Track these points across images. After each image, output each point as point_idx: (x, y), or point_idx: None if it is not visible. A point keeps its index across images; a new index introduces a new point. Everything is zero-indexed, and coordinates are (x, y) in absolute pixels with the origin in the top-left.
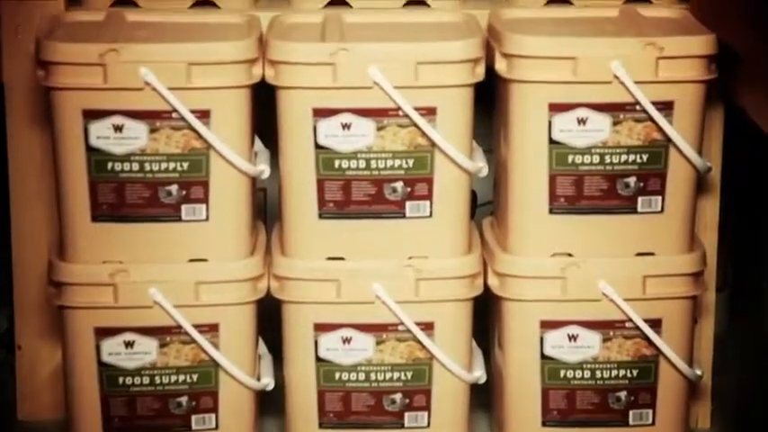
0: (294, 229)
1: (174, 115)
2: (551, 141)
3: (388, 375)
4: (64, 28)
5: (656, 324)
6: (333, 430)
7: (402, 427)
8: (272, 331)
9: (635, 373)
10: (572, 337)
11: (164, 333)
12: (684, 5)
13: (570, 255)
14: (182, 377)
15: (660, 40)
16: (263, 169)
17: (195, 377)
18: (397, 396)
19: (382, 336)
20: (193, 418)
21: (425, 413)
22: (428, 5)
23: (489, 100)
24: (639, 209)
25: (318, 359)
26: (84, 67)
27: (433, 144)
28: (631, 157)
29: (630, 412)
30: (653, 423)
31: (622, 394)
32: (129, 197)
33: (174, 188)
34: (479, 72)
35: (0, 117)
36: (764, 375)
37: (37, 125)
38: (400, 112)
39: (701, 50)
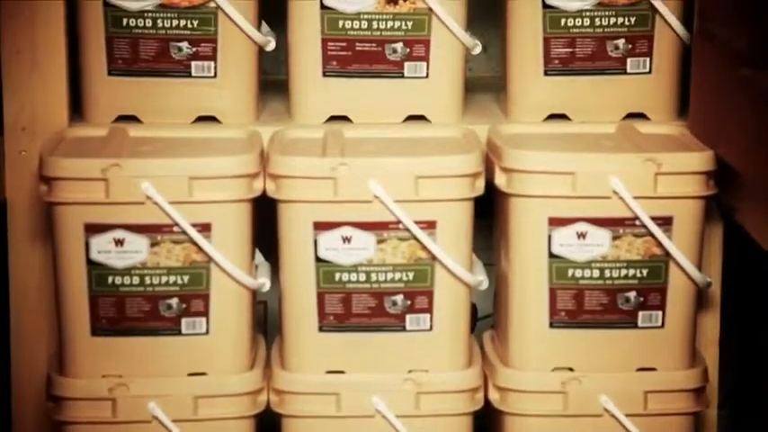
0: (294, 343)
1: (174, 229)
2: (551, 255)
3: None
4: (67, 144)
5: None
6: None
7: None
8: None
9: None
10: None
11: None
12: (682, 122)
13: (571, 369)
14: None
15: (658, 156)
16: (264, 282)
17: None
18: None
19: None
20: None
21: None
22: (428, 120)
23: (489, 213)
24: (640, 323)
25: None
26: (86, 182)
27: (434, 257)
28: (631, 272)
29: None
30: None
31: None
32: (130, 311)
33: (174, 301)
34: (479, 186)
35: (1, 231)
36: None
37: (38, 239)
38: (400, 226)
39: (700, 167)
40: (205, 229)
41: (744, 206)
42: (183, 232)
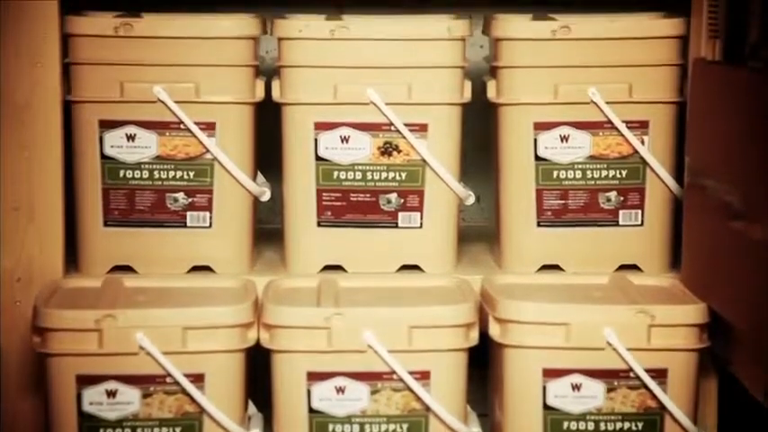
0: None
1: (167, 379)
2: (546, 407)
3: None
4: (61, 294)
5: None
6: None
7: None
8: None
9: None
10: None
11: None
12: (674, 274)
13: None
14: None
15: (652, 308)
16: None
17: None
18: None
19: None
20: None
21: None
22: (422, 270)
23: (483, 363)
24: None
25: None
26: (79, 333)
27: (428, 408)
28: (626, 425)
29: None
30: None
31: None
32: None
33: None
34: (473, 336)
35: None
36: None
37: (30, 390)
38: (394, 376)
39: (693, 319)
40: (198, 379)
41: (738, 358)
42: (176, 383)
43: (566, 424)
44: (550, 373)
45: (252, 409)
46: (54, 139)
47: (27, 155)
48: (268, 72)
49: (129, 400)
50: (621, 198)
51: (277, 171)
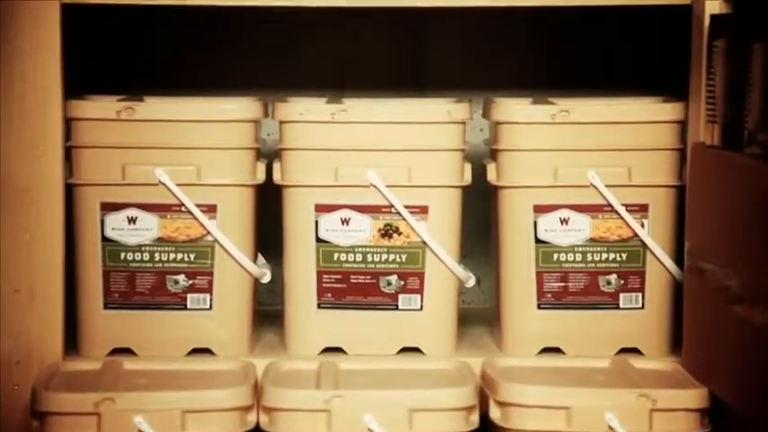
0: None
1: None
2: None
3: None
4: (60, 378)
5: None
6: None
7: None
8: None
9: None
10: None
11: None
12: (675, 358)
13: None
14: None
15: (653, 392)
16: None
17: None
18: None
19: None
20: None
21: None
22: (422, 352)
23: None
24: None
25: None
26: (78, 416)
27: None
28: None
29: None
30: None
31: None
32: None
33: None
34: (473, 420)
35: None
36: None
37: None
38: None
39: (694, 404)
40: None
41: None
42: None
43: None
44: None
45: None
46: (55, 221)
47: (28, 237)
48: (269, 154)
49: None
50: (622, 281)
51: (277, 252)
